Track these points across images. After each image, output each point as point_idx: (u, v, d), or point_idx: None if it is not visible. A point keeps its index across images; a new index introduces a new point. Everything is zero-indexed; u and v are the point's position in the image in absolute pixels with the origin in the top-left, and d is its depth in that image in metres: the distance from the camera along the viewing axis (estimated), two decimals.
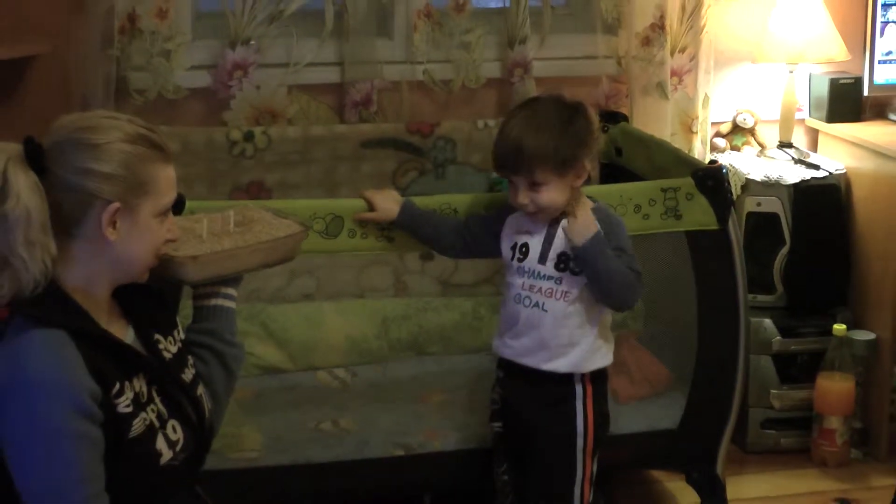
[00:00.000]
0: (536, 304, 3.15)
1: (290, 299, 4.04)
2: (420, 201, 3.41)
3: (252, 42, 3.96)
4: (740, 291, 3.57)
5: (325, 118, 4.15)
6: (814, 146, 4.47)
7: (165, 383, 2.58)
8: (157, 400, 2.54)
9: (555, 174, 3.09)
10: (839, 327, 4.07)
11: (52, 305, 2.42)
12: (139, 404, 2.48)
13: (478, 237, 3.31)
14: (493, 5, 4.30)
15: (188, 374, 2.67)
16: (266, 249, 2.84)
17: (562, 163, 3.09)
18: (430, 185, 4.06)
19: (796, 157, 4.29)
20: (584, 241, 3.08)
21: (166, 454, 2.50)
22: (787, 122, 4.38)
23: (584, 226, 3.11)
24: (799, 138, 4.44)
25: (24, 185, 2.38)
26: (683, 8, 4.25)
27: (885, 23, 4.38)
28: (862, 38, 4.40)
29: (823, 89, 4.38)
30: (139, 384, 2.49)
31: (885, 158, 4.09)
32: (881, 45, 4.39)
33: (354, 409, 3.64)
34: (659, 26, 4.24)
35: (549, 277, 3.15)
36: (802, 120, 4.47)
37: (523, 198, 3.12)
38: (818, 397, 4.11)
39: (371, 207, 3.32)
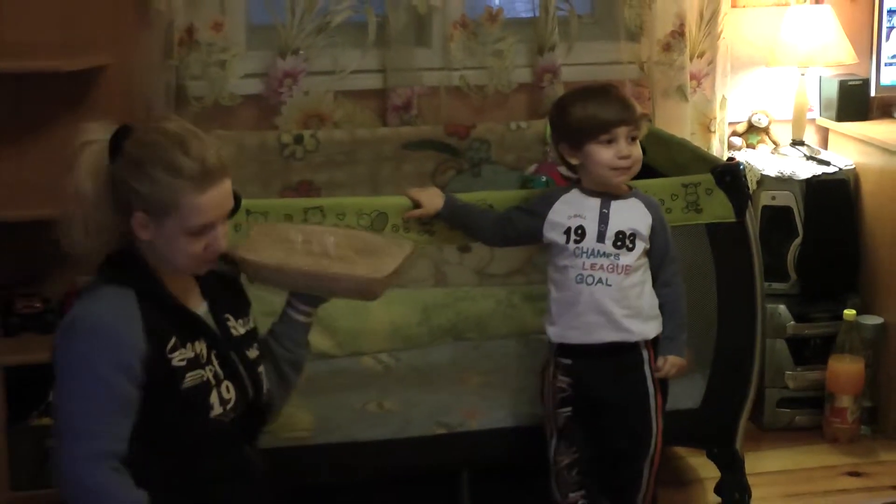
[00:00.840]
0: (600, 281, 3.18)
1: None
2: (460, 197, 3.42)
3: (301, 52, 3.98)
4: (757, 279, 3.57)
5: (368, 122, 4.14)
6: (824, 144, 4.45)
7: (227, 351, 2.66)
8: (216, 363, 2.62)
9: (641, 130, 3.23)
10: (849, 312, 4.07)
11: (125, 268, 2.54)
12: (196, 362, 2.57)
13: (519, 228, 3.31)
14: (523, 15, 4.30)
15: (252, 353, 2.74)
16: (330, 279, 2.84)
17: (644, 122, 3.25)
18: (466, 183, 4.04)
19: (808, 154, 4.27)
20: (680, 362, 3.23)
21: (217, 409, 2.59)
22: (799, 122, 4.37)
23: (677, 366, 3.23)
24: (810, 136, 4.42)
25: (84, 168, 2.54)
26: (701, 16, 4.25)
27: (891, 28, 4.35)
28: (869, 42, 4.38)
29: (833, 91, 4.38)
30: (200, 347, 2.59)
31: (891, 154, 4.08)
32: (887, 49, 4.36)
33: (397, 392, 3.65)
34: (679, 33, 4.23)
35: (608, 255, 3.18)
36: (813, 119, 4.46)
37: (627, 149, 3.18)
38: (830, 378, 4.10)
39: (416, 204, 3.31)
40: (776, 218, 4.13)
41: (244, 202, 3.15)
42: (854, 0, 4.42)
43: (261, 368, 2.78)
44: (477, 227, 3.36)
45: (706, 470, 3.80)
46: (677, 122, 4.26)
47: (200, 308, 2.69)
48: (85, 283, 2.63)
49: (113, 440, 2.45)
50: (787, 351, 4.16)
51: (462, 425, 3.51)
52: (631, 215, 3.22)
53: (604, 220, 3.19)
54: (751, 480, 3.69)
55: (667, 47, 4.25)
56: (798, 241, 4.14)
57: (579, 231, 3.20)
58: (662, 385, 3.29)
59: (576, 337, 3.23)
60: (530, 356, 3.70)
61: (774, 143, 4.40)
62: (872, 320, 4.15)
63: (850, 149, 4.30)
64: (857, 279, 4.26)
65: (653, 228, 3.22)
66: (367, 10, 4.03)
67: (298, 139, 3.94)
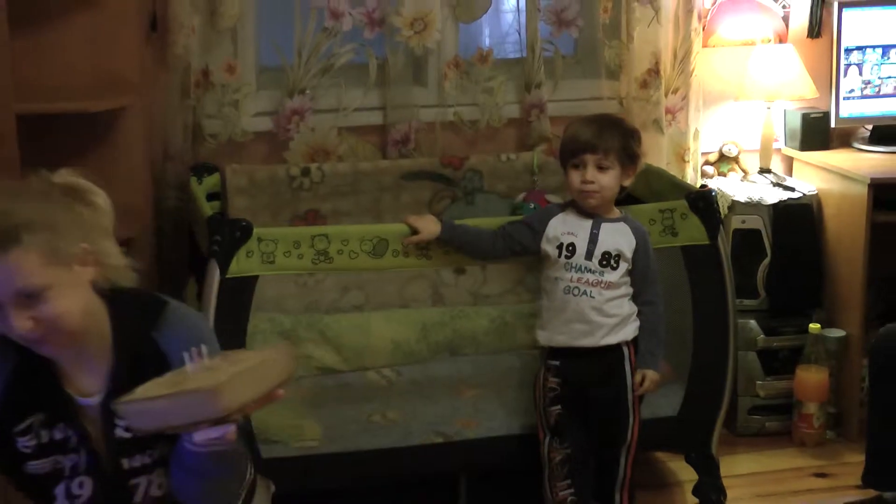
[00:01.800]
0: (585, 293, 3.23)
1: (344, 310, 3.99)
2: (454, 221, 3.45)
3: (307, 91, 3.97)
4: (729, 297, 3.58)
5: (370, 155, 4.13)
6: (789, 171, 4.45)
7: (93, 449, 2.25)
8: (84, 454, 2.25)
9: (619, 163, 3.22)
10: (814, 326, 4.07)
11: None
12: (58, 447, 2.23)
13: (517, 237, 3.33)
14: (511, 56, 4.27)
15: (130, 462, 2.26)
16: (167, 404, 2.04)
17: (627, 156, 3.23)
18: (461, 211, 4.01)
19: (774, 181, 4.27)
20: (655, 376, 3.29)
21: (61, 501, 2.26)
22: (766, 151, 4.37)
23: (653, 380, 3.30)
24: (776, 165, 4.42)
25: None
26: (675, 55, 4.25)
27: (848, 65, 4.35)
28: (828, 78, 4.37)
29: (796, 122, 4.37)
30: (68, 432, 2.23)
31: (850, 181, 4.08)
32: (845, 85, 4.35)
33: (399, 404, 3.63)
34: (654, 71, 4.23)
35: (594, 271, 3.23)
36: (779, 149, 4.45)
37: (591, 175, 3.21)
38: (797, 387, 4.09)
39: (414, 230, 3.31)
40: (746, 240, 4.11)
41: (256, 230, 3.23)
42: (814, 39, 4.43)
43: (137, 480, 2.27)
44: (477, 243, 3.36)
45: (685, 473, 3.78)
46: (654, 153, 4.23)
47: (92, 396, 2.23)
48: None
49: None
50: (758, 362, 4.14)
51: (459, 434, 3.51)
52: (617, 238, 3.26)
53: (593, 239, 3.23)
54: (726, 482, 3.68)
55: (644, 84, 4.25)
56: (766, 261, 4.13)
57: (570, 247, 3.25)
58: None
59: (563, 341, 3.28)
60: (522, 370, 3.67)
61: (744, 171, 4.39)
62: (836, 333, 4.13)
63: (812, 176, 4.29)
64: (821, 295, 4.23)
65: (636, 251, 3.25)
66: (368, 53, 4.04)
67: (306, 172, 3.94)
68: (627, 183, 3.31)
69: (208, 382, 1.99)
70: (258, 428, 3.25)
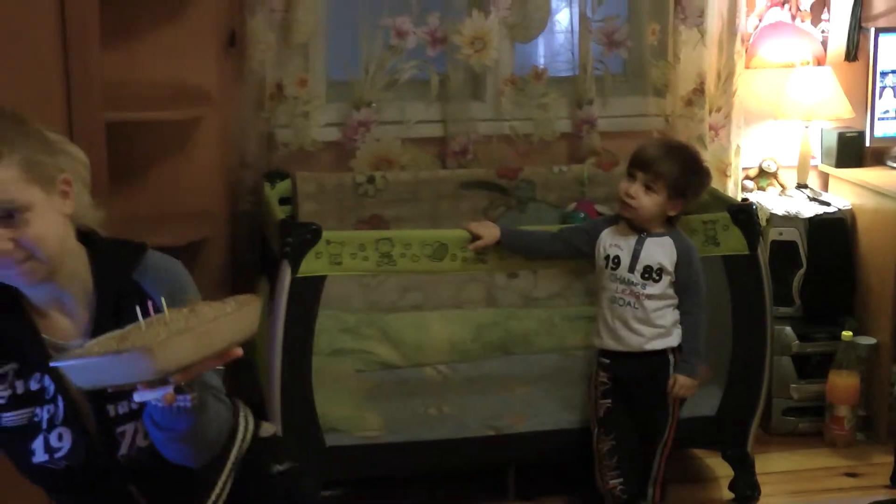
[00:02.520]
0: (629, 304, 3.27)
1: (403, 309, 4.00)
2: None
3: (373, 104, 3.98)
4: (766, 304, 3.60)
5: (430, 165, 4.13)
6: (825, 187, 4.41)
7: (71, 398, 2.08)
8: (61, 404, 2.07)
9: (666, 190, 3.22)
10: (846, 333, 4.03)
11: None
12: (33, 398, 2.08)
13: (575, 241, 3.37)
14: (564, 74, 4.26)
15: (117, 409, 2.09)
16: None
17: (674, 187, 3.22)
18: (514, 219, 3.98)
19: (811, 195, 4.25)
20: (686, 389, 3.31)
21: (40, 455, 2.08)
22: (803, 168, 4.34)
23: (686, 385, 3.31)
24: (813, 181, 4.39)
25: None
26: (719, 76, 4.22)
27: (883, 87, 4.31)
28: (864, 99, 4.32)
29: (833, 141, 4.34)
30: (44, 382, 2.07)
31: (883, 197, 4.07)
32: (880, 106, 4.32)
33: (454, 398, 3.64)
34: (699, 90, 4.21)
35: (636, 283, 3.26)
36: (815, 166, 4.42)
37: (635, 191, 3.23)
38: (829, 390, 4.06)
39: (476, 236, 3.32)
40: (783, 251, 4.08)
41: (324, 233, 3.27)
42: (851, 63, 4.38)
43: (124, 427, 2.09)
44: (536, 245, 3.39)
45: (721, 469, 3.78)
46: None
47: (71, 340, 2.08)
48: None
49: None
50: (792, 366, 4.11)
51: (510, 428, 3.53)
52: (659, 251, 3.28)
53: (636, 254, 3.27)
54: (760, 479, 3.70)
55: (689, 102, 4.23)
56: (802, 271, 4.11)
57: (616, 260, 3.29)
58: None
59: (611, 345, 3.31)
60: (569, 369, 3.67)
61: (782, 186, 4.38)
62: (866, 340, 4.10)
63: (847, 192, 4.26)
64: (853, 305, 4.21)
65: (677, 264, 3.27)
66: (430, 69, 4.05)
67: (370, 179, 3.95)
68: (673, 213, 3.29)
69: (144, 342, 1.82)
70: (323, 418, 3.39)
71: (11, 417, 2.06)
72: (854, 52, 4.39)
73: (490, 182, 4.09)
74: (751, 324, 3.60)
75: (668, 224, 3.33)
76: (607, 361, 3.37)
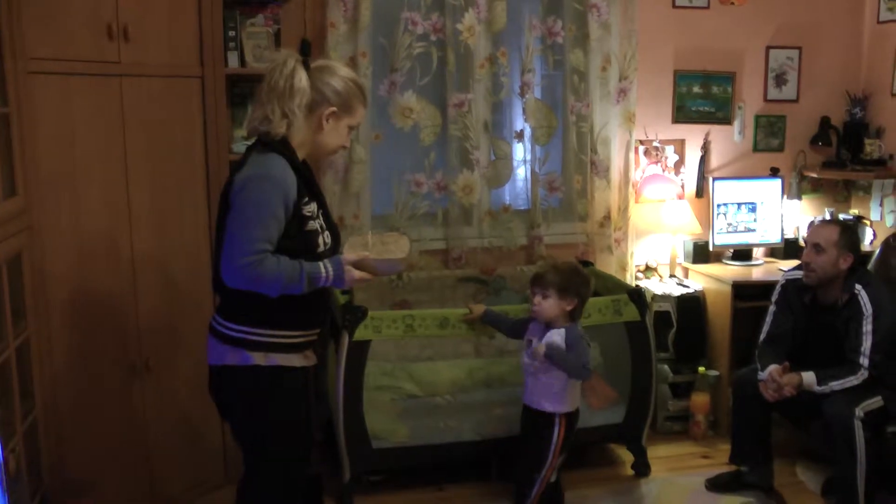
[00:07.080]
0: (532, 374, 3.26)
1: (421, 359, 4.10)
2: (493, 309, 3.54)
3: (401, 229, 4.06)
4: (652, 351, 3.78)
5: (438, 266, 4.24)
6: (686, 276, 4.57)
7: (328, 210, 2.49)
8: (321, 218, 2.43)
9: (556, 294, 3.15)
10: (701, 369, 4.28)
11: (282, 145, 2.35)
12: (313, 215, 2.39)
13: (519, 329, 3.39)
14: (523, 208, 4.40)
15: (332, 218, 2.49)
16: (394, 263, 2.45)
17: (561, 290, 3.16)
18: (492, 301, 4.08)
19: (678, 282, 4.47)
20: (546, 350, 3.14)
21: (322, 248, 2.40)
22: (672, 264, 4.57)
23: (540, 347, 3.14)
24: (679, 272, 4.58)
25: (303, 78, 2.35)
26: (619, 208, 4.41)
27: (718, 214, 4.54)
28: (708, 221, 4.54)
29: (690, 247, 4.57)
30: (316, 204, 2.41)
31: (720, 282, 4.29)
32: (717, 225, 4.53)
33: (455, 416, 3.75)
34: (607, 217, 4.41)
35: (537, 360, 3.22)
36: (680, 263, 4.60)
37: (537, 301, 3.16)
38: (692, 405, 4.30)
39: (469, 311, 3.47)
40: (661, 318, 4.26)
41: (370, 312, 3.37)
42: (699, 198, 4.60)
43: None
44: (502, 326, 3.47)
45: (626, 456, 3.99)
46: (607, 266, 4.39)
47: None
48: (245, 153, 2.39)
49: (271, 246, 2.29)
50: (669, 390, 4.31)
51: (491, 435, 3.66)
52: (556, 338, 3.20)
53: (540, 338, 3.23)
54: (650, 461, 3.93)
55: (601, 225, 4.40)
56: (673, 330, 4.30)
57: (530, 343, 3.27)
58: (566, 439, 3.23)
59: (526, 400, 3.32)
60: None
61: (660, 276, 4.55)
62: (714, 373, 4.31)
63: (699, 279, 4.44)
64: (705, 350, 4.37)
65: (567, 343, 3.19)
66: (437, 207, 4.23)
67: (399, 276, 4.08)
68: (570, 307, 3.16)
69: (399, 256, 2.40)
70: (370, 430, 3.42)
71: (311, 224, 2.35)
72: (700, 191, 4.62)
73: (477, 278, 4.22)
74: (642, 364, 3.76)
75: (570, 317, 3.21)
76: (523, 408, 3.29)
